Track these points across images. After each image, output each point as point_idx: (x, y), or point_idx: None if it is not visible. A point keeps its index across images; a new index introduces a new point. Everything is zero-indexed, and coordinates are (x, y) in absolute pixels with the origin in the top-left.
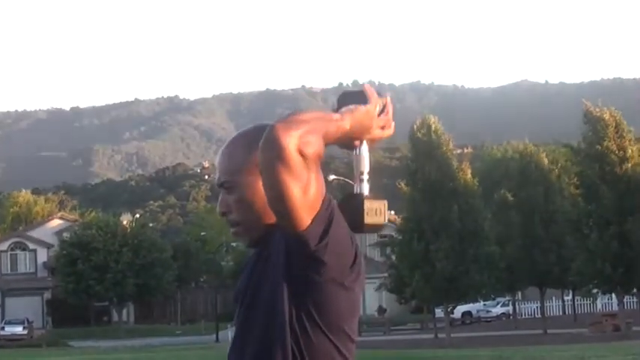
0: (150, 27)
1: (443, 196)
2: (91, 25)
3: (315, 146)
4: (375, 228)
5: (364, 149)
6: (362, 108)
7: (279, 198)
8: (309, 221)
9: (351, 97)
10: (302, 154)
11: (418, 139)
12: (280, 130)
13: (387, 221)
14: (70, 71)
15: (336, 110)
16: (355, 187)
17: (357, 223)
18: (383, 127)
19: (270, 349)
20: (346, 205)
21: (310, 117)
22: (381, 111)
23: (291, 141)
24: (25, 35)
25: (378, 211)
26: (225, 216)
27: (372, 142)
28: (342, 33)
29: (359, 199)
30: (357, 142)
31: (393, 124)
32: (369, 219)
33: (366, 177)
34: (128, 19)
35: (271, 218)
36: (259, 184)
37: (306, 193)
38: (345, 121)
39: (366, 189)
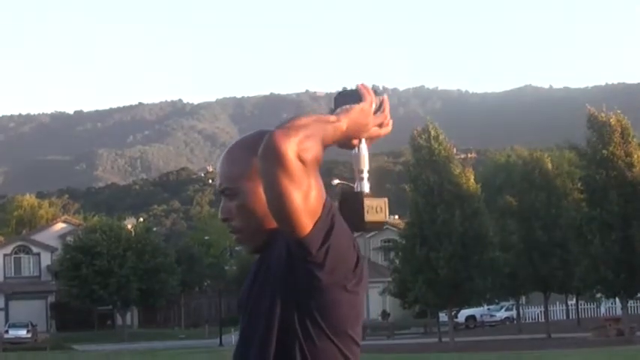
0: (153, 30)
1: (444, 202)
2: (94, 28)
3: (313, 151)
4: (376, 226)
5: (363, 148)
6: (357, 107)
7: (280, 205)
8: (311, 227)
9: (348, 96)
10: (301, 159)
11: (419, 144)
12: (279, 136)
13: (387, 219)
14: (73, 75)
15: (334, 111)
16: (355, 186)
17: (357, 222)
18: (381, 125)
19: (271, 355)
20: (346, 203)
21: (308, 121)
22: (378, 109)
23: (290, 147)
24: (28, 39)
25: (378, 209)
26: (226, 222)
27: (370, 141)
28: (346, 37)
29: (359, 197)
30: (355, 141)
31: (391, 122)
32: (369, 217)
33: (365, 175)
34: (132, 23)
35: (273, 224)
36: (260, 191)
37: (306, 199)
38: (342, 121)
39: (366, 187)
